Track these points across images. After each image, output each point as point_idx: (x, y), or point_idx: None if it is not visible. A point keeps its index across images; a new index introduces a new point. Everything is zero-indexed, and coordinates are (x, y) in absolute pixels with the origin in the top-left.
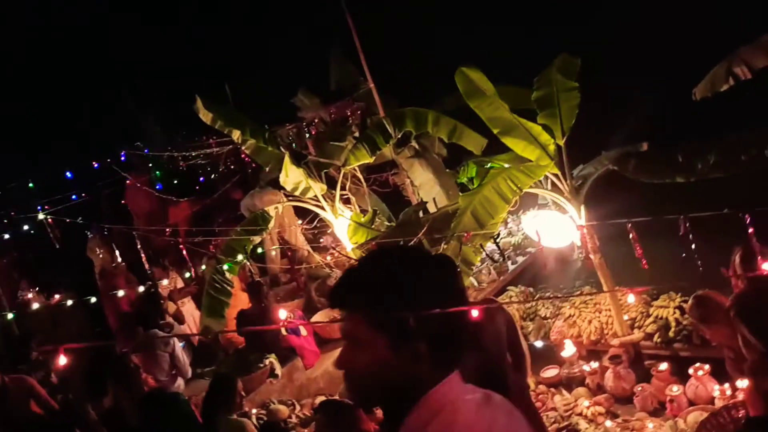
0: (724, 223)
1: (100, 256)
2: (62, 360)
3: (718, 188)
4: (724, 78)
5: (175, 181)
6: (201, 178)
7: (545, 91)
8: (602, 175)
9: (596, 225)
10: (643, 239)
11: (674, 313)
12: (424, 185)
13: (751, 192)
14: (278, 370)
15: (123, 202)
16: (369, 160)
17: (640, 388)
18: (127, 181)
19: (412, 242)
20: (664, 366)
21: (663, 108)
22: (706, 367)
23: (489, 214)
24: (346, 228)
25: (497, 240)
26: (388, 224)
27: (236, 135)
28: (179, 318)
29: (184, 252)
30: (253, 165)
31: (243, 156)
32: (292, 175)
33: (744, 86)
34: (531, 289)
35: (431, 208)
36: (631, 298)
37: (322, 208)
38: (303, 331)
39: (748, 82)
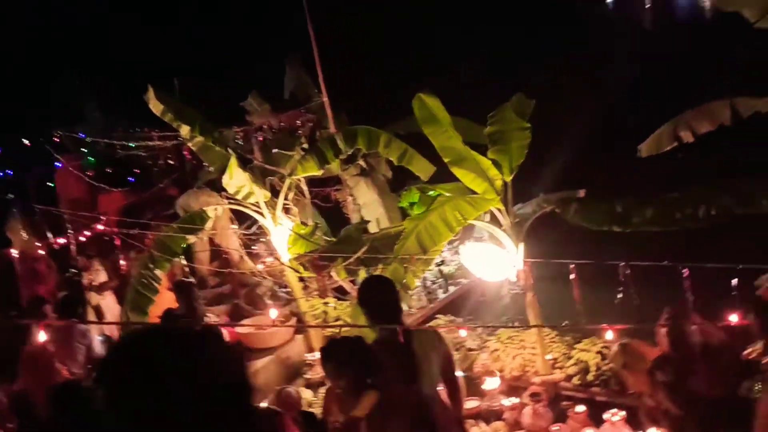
0: (660, 276)
1: (23, 237)
2: None
3: (652, 241)
4: (669, 139)
5: (109, 170)
6: (137, 170)
7: (498, 128)
8: (542, 215)
9: (531, 264)
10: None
11: (595, 357)
12: (368, 205)
13: (682, 248)
14: None
15: (51, 184)
16: (317, 172)
17: (556, 428)
18: (58, 165)
19: (351, 260)
20: (581, 408)
21: (602, 159)
22: (622, 413)
23: (433, 241)
24: (285, 238)
25: (440, 266)
26: (327, 239)
27: (185, 130)
28: (99, 312)
29: (117, 243)
30: (193, 163)
31: (184, 153)
32: (236, 178)
33: (686, 148)
34: (460, 320)
35: (373, 228)
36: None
37: (262, 214)
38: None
39: (690, 145)
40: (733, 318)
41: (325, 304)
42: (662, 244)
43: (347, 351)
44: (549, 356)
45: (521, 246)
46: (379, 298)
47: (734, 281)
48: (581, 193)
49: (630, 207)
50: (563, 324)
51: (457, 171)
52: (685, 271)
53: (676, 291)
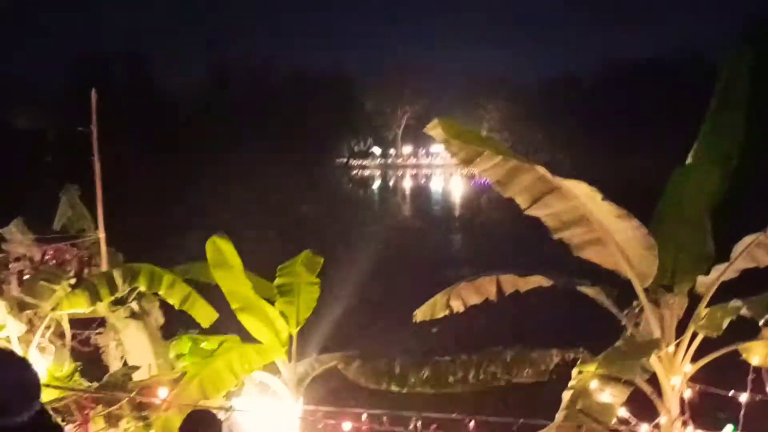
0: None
1: None
2: None
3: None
4: (442, 307)
5: None
6: None
7: (288, 280)
8: (323, 372)
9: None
10: None
11: None
12: (137, 349)
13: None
14: None
15: None
16: (85, 309)
17: None
18: None
19: (115, 407)
20: None
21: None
22: None
23: (216, 388)
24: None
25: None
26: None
27: None
28: None
29: None
30: None
31: None
32: None
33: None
34: None
35: (142, 375)
36: None
37: None
38: None
39: (460, 314)
40: None
41: None
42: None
43: None
44: None
45: (300, 399)
46: None
47: None
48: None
49: (408, 367)
50: None
51: (244, 318)
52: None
53: None
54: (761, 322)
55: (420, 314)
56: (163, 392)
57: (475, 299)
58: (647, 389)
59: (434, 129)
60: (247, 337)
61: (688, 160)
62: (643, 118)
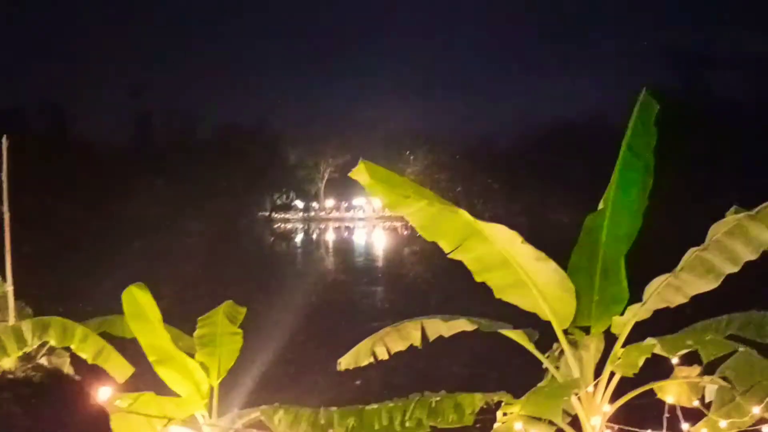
0: None
1: None
2: None
3: None
4: (366, 355)
5: None
6: None
7: (208, 330)
8: (249, 424)
9: None
10: None
11: None
12: None
13: None
14: None
15: None
16: None
17: None
18: None
19: None
20: None
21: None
22: None
23: None
24: None
25: None
26: None
27: None
28: None
29: None
30: None
31: None
32: None
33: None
34: None
35: None
36: None
37: None
38: None
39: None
40: None
41: None
42: None
43: None
44: None
45: None
46: None
47: None
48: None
49: (332, 417)
50: None
51: (161, 370)
52: None
53: None
54: (675, 360)
55: (344, 362)
56: None
57: (399, 346)
58: (569, 430)
59: (359, 173)
60: (166, 393)
61: (600, 206)
62: (557, 175)
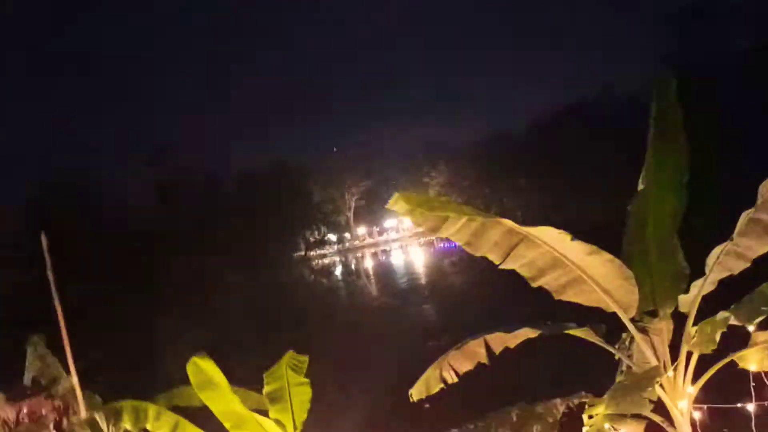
0: None
1: None
2: None
3: None
4: (436, 382)
5: None
6: None
7: (276, 386)
8: None
9: None
10: None
11: None
12: None
13: None
14: None
15: None
16: None
17: None
18: None
19: None
20: None
21: None
22: None
23: None
24: None
25: None
26: None
27: None
28: None
29: None
30: None
31: None
32: None
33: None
34: None
35: None
36: None
37: None
38: None
39: (455, 384)
40: None
41: None
42: None
43: None
44: None
45: None
46: None
47: None
48: None
49: None
50: None
51: None
52: None
53: None
54: (751, 328)
55: (416, 393)
56: None
57: (467, 366)
58: (657, 419)
59: (396, 204)
60: None
61: (639, 188)
62: (578, 161)
